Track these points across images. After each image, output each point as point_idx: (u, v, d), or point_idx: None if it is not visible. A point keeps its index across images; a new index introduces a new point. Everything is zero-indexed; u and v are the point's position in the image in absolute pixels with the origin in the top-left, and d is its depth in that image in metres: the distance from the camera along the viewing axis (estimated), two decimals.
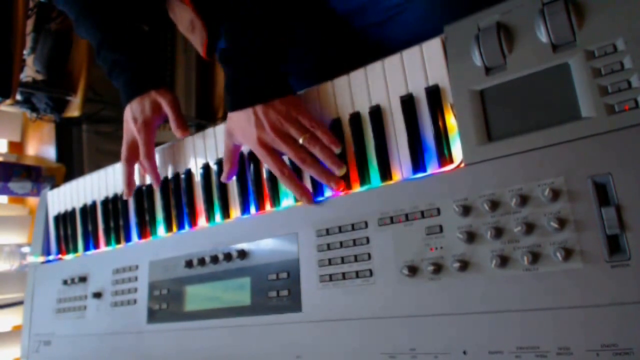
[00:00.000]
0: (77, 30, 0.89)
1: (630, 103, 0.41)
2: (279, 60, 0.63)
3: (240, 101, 0.63)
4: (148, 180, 0.83)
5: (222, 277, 0.66)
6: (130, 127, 0.80)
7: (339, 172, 0.59)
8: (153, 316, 0.74)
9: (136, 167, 0.83)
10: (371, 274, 0.53)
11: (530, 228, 0.44)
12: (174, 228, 0.77)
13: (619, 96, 0.42)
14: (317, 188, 0.61)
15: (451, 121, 0.53)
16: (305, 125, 0.61)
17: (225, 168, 0.68)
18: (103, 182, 0.91)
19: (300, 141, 0.60)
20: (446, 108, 0.53)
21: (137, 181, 0.84)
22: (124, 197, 0.82)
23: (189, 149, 0.78)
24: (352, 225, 0.55)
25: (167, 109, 0.80)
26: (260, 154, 0.62)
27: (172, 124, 0.79)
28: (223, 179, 0.69)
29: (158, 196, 0.81)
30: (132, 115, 0.80)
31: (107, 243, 0.88)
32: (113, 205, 0.88)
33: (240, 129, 0.64)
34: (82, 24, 0.87)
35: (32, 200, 2.05)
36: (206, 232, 0.71)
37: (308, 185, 0.62)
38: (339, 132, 0.61)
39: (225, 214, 0.71)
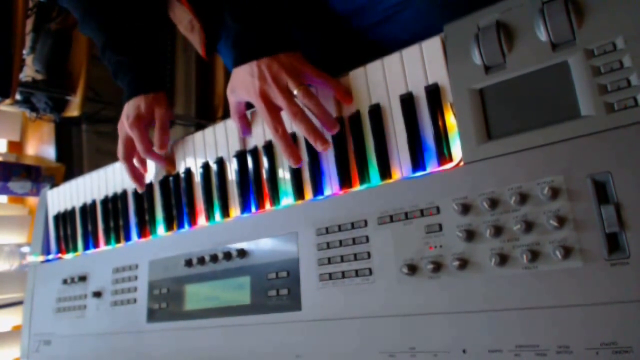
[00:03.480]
0: (82, 29, 0.89)
1: (629, 101, 0.41)
2: (285, 20, 0.64)
3: (246, 55, 0.63)
4: (148, 179, 0.83)
5: (222, 276, 0.66)
6: (123, 124, 0.81)
7: (331, 130, 0.59)
8: (153, 315, 0.74)
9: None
10: (371, 272, 0.53)
11: (529, 226, 0.44)
12: (174, 227, 0.77)
13: (618, 94, 0.42)
14: (317, 187, 0.61)
15: (451, 120, 0.53)
16: (309, 79, 0.61)
17: (237, 124, 0.69)
18: (103, 182, 0.91)
19: (295, 92, 0.59)
20: (446, 107, 0.53)
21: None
22: (139, 191, 0.82)
23: (189, 148, 0.78)
24: (352, 224, 0.55)
25: (157, 119, 0.80)
26: (259, 106, 0.62)
27: (155, 137, 0.79)
28: (241, 134, 0.69)
29: (158, 196, 0.81)
30: (126, 113, 0.81)
31: (107, 242, 0.88)
32: (113, 205, 0.88)
33: (242, 83, 0.63)
34: (87, 24, 0.87)
35: (32, 200, 2.05)
36: (206, 232, 0.71)
37: (308, 187, 0.62)
38: (339, 131, 0.61)
39: (225, 213, 0.71)
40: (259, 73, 0.61)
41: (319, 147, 0.58)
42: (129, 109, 0.81)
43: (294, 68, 0.61)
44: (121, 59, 0.83)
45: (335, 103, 0.62)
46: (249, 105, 0.69)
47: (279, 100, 0.60)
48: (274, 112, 0.61)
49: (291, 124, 0.63)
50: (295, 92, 0.59)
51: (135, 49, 0.84)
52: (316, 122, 0.60)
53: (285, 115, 0.62)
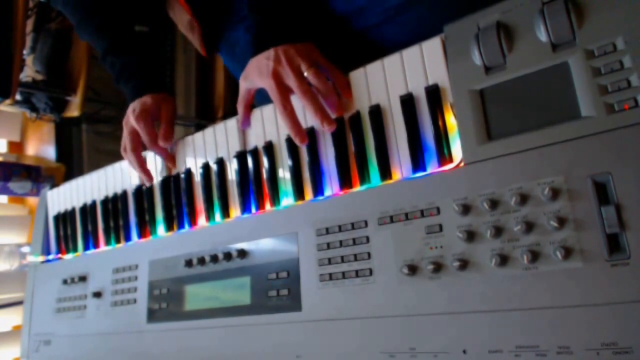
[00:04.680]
0: (80, 34, 0.89)
1: (630, 102, 0.41)
2: (304, 17, 0.67)
3: (265, 44, 0.65)
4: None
5: (222, 276, 0.66)
6: (130, 118, 0.82)
7: (335, 112, 0.61)
8: (153, 316, 0.74)
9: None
10: (371, 273, 0.53)
11: (530, 227, 0.44)
12: (174, 227, 0.77)
13: (618, 95, 0.42)
14: (317, 187, 0.61)
15: (451, 120, 0.53)
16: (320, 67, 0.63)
17: (240, 112, 0.70)
18: (103, 182, 0.91)
19: (305, 74, 0.61)
20: (446, 107, 0.53)
21: (136, 180, 0.85)
22: (147, 184, 0.82)
23: (189, 148, 0.78)
24: (352, 224, 0.55)
25: (163, 113, 0.81)
26: (270, 86, 0.63)
27: (161, 130, 0.80)
28: (239, 124, 0.71)
29: (158, 196, 0.81)
30: (132, 107, 0.82)
31: (107, 242, 0.88)
32: (113, 205, 0.88)
33: (257, 69, 0.65)
34: (85, 29, 0.87)
35: (32, 200, 2.05)
36: (206, 232, 0.71)
37: (308, 188, 0.62)
38: (339, 131, 0.61)
39: (225, 213, 0.71)
40: (275, 56, 0.63)
41: (325, 126, 0.59)
42: (135, 104, 0.82)
43: (309, 55, 0.63)
44: (126, 63, 0.84)
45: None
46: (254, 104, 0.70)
47: (290, 79, 0.62)
48: (283, 91, 0.62)
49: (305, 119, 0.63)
50: (305, 73, 0.61)
51: (138, 52, 0.85)
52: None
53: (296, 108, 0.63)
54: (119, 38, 0.85)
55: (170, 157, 0.80)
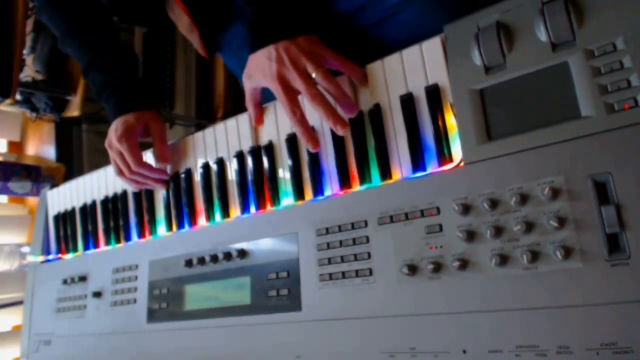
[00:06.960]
0: (63, 47, 0.87)
1: (630, 102, 0.41)
2: (302, 5, 0.63)
3: (264, 39, 0.61)
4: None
5: (222, 276, 0.66)
6: (112, 140, 0.79)
7: (351, 112, 0.58)
8: (153, 315, 0.74)
9: None
10: (371, 273, 0.53)
11: (529, 227, 0.44)
12: (174, 227, 0.77)
13: (618, 95, 0.42)
14: (317, 187, 0.61)
15: (451, 120, 0.53)
16: (327, 62, 0.60)
17: (251, 111, 0.68)
18: (103, 182, 0.91)
19: (313, 75, 0.58)
20: (446, 107, 0.53)
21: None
22: (162, 189, 0.80)
23: (189, 148, 0.78)
24: (352, 224, 0.55)
25: (154, 132, 0.79)
26: (276, 90, 0.60)
27: (155, 149, 0.79)
28: (254, 123, 0.68)
29: (158, 196, 0.81)
30: (114, 127, 0.79)
31: (107, 242, 0.88)
32: (113, 205, 0.88)
33: (260, 68, 0.62)
34: (68, 43, 0.85)
35: (32, 200, 2.05)
36: (206, 232, 0.71)
37: (308, 188, 0.62)
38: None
39: (225, 213, 0.71)
40: (277, 56, 0.59)
41: (339, 130, 0.56)
42: (117, 123, 0.79)
43: (312, 51, 0.59)
44: (106, 79, 0.82)
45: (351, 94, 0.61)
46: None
47: (297, 83, 0.59)
48: (290, 95, 0.59)
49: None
50: (313, 75, 0.58)
51: (121, 69, 0.83)
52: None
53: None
54: (101, 54, 0.83)
55: (162, 173, 0.79)
